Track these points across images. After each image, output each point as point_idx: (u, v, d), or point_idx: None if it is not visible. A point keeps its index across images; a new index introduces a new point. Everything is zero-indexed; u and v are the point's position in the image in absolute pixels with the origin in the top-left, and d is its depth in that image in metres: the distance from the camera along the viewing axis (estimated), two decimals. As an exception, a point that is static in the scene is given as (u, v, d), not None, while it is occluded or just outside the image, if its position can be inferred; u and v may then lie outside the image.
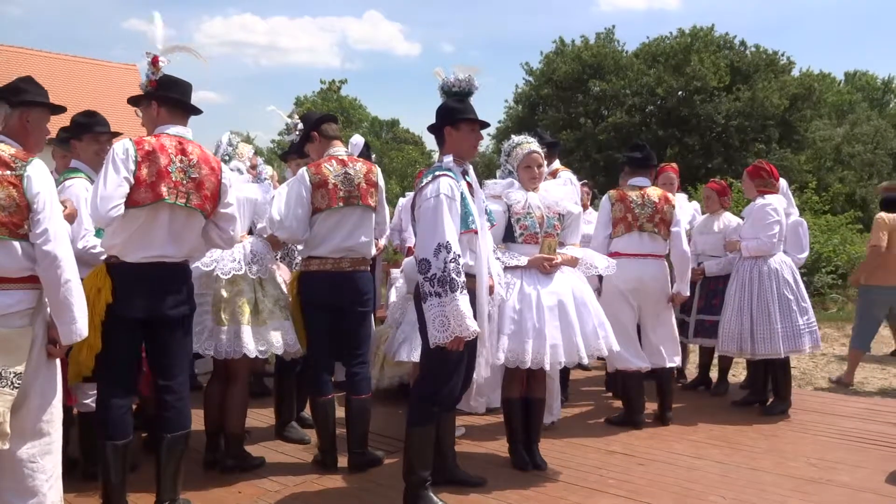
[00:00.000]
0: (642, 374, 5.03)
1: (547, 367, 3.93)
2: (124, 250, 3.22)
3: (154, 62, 3.31)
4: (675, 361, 5.16)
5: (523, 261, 4.05)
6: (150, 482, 3.71)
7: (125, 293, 3.20)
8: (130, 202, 3.12)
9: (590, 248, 4.76)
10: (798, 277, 5.39)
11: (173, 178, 3.20)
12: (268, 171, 4.65)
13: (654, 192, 5.04)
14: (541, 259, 4.05)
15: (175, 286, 3.33)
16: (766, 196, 5.37)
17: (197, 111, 3.47)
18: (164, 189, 3.16)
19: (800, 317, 5.24)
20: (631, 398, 5.10)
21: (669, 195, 5.14)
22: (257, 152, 4.65)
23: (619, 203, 5.01)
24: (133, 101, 3.46)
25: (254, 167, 4.37)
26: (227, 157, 4.22)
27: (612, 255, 4.92)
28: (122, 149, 3.14)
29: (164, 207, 3.21)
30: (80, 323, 2.80)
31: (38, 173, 2.73)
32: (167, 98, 3.33)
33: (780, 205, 5.35)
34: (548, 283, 4.03)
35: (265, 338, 3.91)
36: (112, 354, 3.24)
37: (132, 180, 3.11)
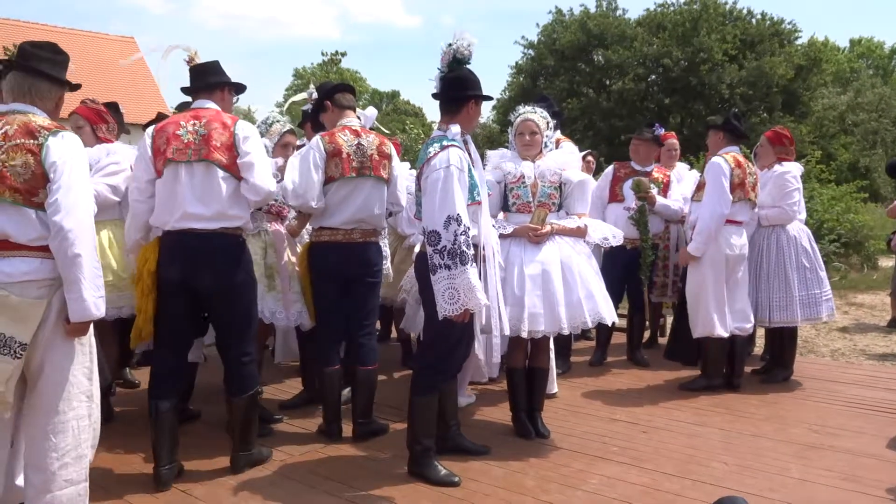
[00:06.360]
0: (724, 340, 5.02)
1: (524, 336, 3.87)
2: (161, 218, 3.45)
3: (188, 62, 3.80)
4: (749, 327, 5.14)
5: (509, 229, 4.03)
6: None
7: (165, 259, 3.43)
8: (157, 174, 3.43)
9: (705, 215, 4.81)
10: (815, 246, 5.33)
11: (183, 140, 3.39)
12: (283, 126, 4.64)
13: (750, 164, 5.06)
14: (526, 229, 4.01)
15: (207, 257, 3.41)
16: (784, 163, 5.30)
17: (209, 84, 3.61)
18: (170, 151, 3.38)
19: (818, 286, 5.22)
20: (713, 363, 5.13)
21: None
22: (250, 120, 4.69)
23: (737, 169, 4.90)
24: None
25: (286, 146, 4.47)
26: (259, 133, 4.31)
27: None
28: (143, 138, 3.54)
29: (180, 168, 3.38)
30: (88, 302, 2.70)
31: (60, 144, 2.71)
32: (186, 89, 3.69)
33: (797, 172, 5.31)
34: (535, 252, 3.97)
35: None
36: (160, 318, 3.49)
37: (149, 153, 3.44)
